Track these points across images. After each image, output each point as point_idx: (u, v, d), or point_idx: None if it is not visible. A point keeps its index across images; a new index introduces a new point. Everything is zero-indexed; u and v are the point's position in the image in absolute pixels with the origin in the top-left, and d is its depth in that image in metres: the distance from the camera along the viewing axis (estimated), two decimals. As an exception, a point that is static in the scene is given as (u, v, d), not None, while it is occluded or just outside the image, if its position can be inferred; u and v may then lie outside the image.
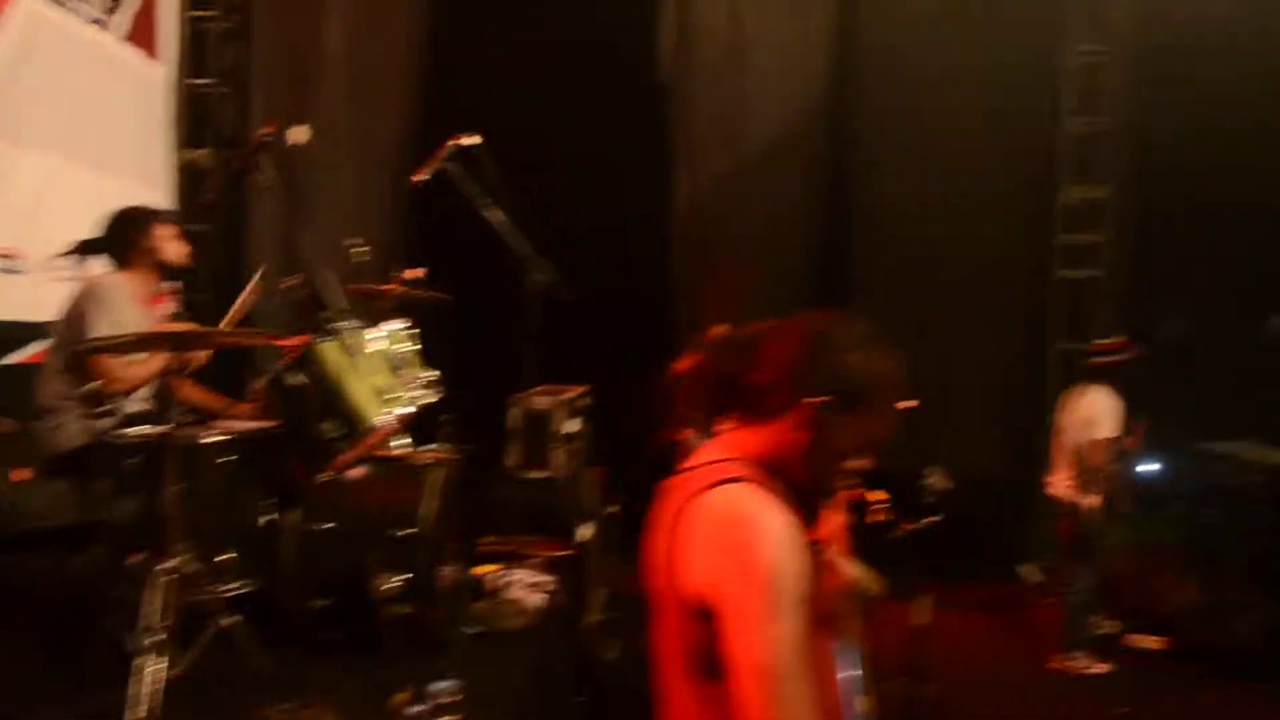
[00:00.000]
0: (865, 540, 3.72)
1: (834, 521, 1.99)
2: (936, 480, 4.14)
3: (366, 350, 3.78)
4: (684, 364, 1.86)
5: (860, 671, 1.91)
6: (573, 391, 5.07)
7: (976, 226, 6.51)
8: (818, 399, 1.69)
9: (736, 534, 1.61)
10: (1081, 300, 6.51)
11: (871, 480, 4.05)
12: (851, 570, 3.84)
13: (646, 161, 6.20)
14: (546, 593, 4.40)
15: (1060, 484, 5.31)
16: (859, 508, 4.02)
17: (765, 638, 1.56)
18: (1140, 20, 6.75)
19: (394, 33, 6.40)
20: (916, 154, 6.47)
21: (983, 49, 6.39)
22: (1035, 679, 5.22)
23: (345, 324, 3.75)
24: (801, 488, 1.75)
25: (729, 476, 1.68)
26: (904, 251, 6.50)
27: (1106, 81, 6.54)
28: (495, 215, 4.61)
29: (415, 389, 3.92)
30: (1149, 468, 9.00)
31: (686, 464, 1.78)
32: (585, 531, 4.51)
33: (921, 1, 6.43)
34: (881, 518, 4.05)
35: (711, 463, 1.73)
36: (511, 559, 4.53)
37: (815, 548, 1.82)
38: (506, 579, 4.37)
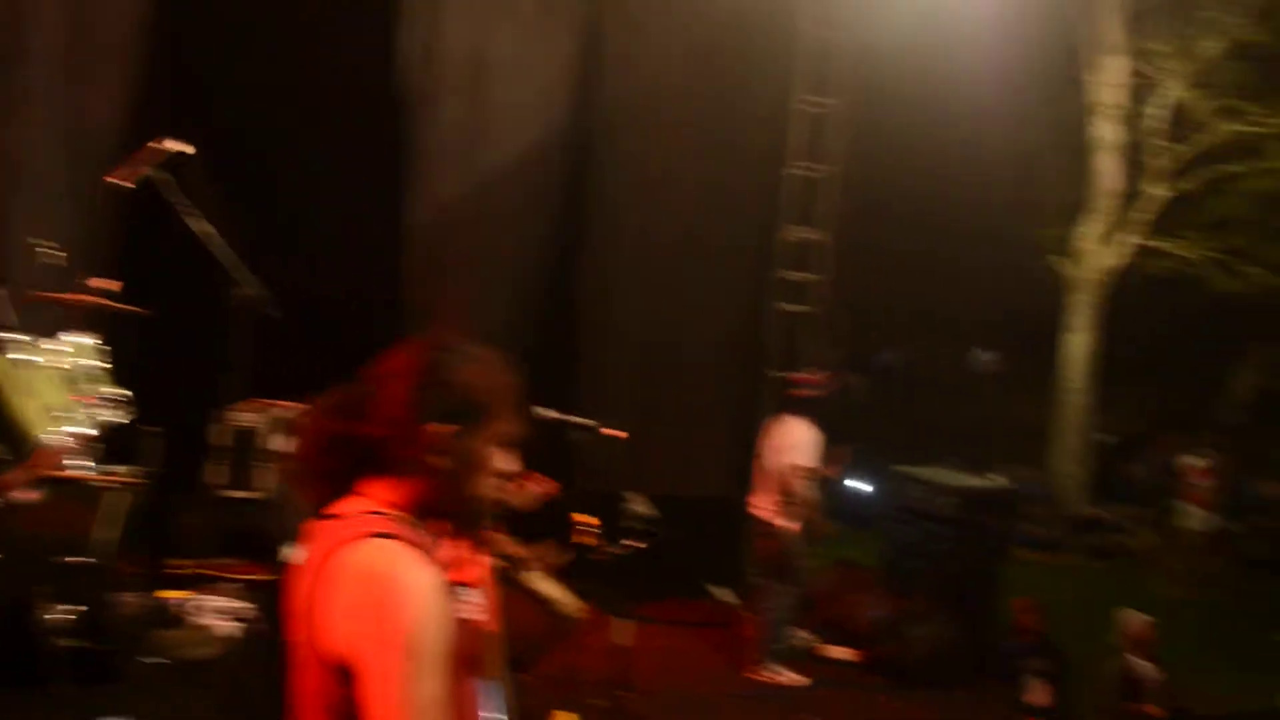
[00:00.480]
0: (572, 562, 3.85)
1: (481, 562, 2.02)
2: (639, 506, 4.32)
3: (39, 363, 3.54)
4: (301, 442, 1.81)
5: (505, 713, 1.95)
6: (286, 408, 4.88)
7: (705, 259, 6.85)
8: (447, 427, 1.70)
9: (377, 594, 1.59)
10: (797, 334, 6.96)
11: (582, 504, 4.18)
12: (552, 591, 3.94)
13: (381, 177, 6.09)
14: (243, 619, 4.23)
15: (762, 506, 5.65)
16: (568, 529, 4.15)
17: (406, 700, 1.56)
18: (861, 78, 7.33)
19: (117, 16, 5.97)
20: (652, 186, 6.74)
21: (719, 94, 6.77)
22: (734, 690, 5.53)
23: (11, 337, 3.49)
24: (457, 513, 1.76)
25: (373, 531, 1.65)
26: (635, 278, 6.74)
27: (828, 132, 7.03)
28: (202, 226, 4.42)
29: (98, 407, 3.70)
30: (860, 488, 9.74)
31: (335, 509, 1.75)
32: (292, 553, 4.38)
33: (664, 44, 6.70)
34: (589, 541, 4.20)
35: (359, 513, 1.69)
36: (205, 583, 4.33)
37: (460, 591, 1.86)
38: (197, 605, 4.18)
